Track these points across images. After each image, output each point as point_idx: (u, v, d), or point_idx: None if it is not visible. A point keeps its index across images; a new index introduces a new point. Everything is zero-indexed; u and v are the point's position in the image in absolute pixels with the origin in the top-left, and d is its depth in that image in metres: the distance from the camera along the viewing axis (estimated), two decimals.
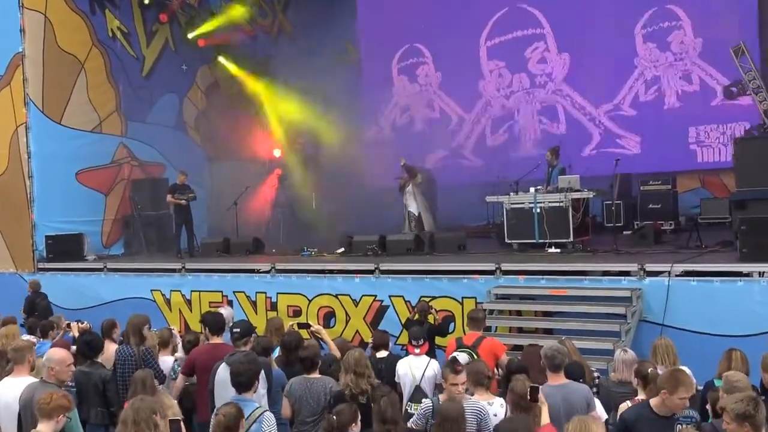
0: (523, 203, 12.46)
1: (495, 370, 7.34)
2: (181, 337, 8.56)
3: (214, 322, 7.07)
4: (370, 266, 11.59)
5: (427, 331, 8.67)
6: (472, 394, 5.89)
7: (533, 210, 12.29)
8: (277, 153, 20.18)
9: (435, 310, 9.72)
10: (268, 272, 12.48)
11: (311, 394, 6.35)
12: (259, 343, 7.01)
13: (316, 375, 6.47)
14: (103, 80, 16.44)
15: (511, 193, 12.71)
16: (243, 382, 5.58)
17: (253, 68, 19.91)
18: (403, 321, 10.33)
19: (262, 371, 6.17)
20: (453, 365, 5.79)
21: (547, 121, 17.65)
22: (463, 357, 6.66)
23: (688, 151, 15.99)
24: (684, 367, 6.51)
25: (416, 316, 9.48)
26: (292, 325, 7.96)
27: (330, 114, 19.88)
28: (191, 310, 12.74)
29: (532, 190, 12.61)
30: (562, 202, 12.10)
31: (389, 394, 5.85)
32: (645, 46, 16.48)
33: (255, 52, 20.10)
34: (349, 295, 11.47)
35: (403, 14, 18.73)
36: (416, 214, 14.52)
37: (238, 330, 6.71)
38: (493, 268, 10.54)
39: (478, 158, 18.10)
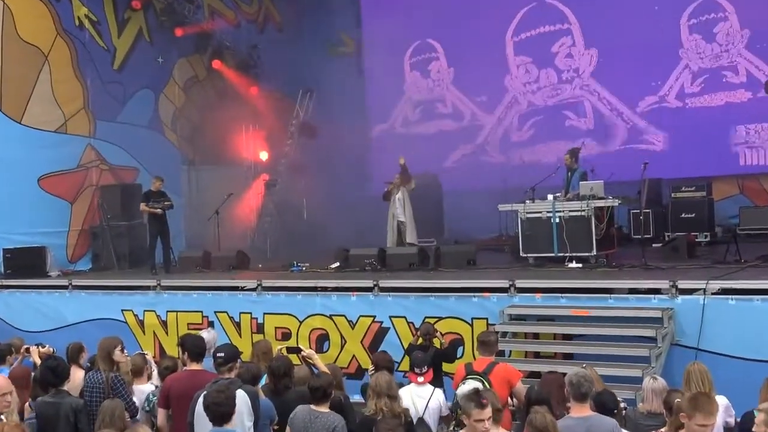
0: (540, 212, 12.47)
1: (509, 399, 7.33)
2: (156, 363, 8.54)
3: (193, 347, 7.05)
4: (369, 283, 11.57)
5: (432, 356, 8.66)
6: None
7: (551, 220, 12.28)
8: (263, 156, 20.23)
9: (441, 333, 9.70)
10: (253, 290, 12.47)
11: (314, 430, 6.32)
12: (248, 369, 7.00)
13: (324, 409, 6.40)
14: (69, 74, 16.47)
15: (527, 201, 12.71)
16: (223, 413, 5.56)
17: (237, 61, 19.99)
18: (405, 345, 10.31)
19: (248, 401, 6.16)
20: (478, 398, 5.71)
21: (575, 117, 17.70)
22: (473, 385, 6.64)
23: (730, 153, 15.98)
24: (721, 396, 6.52)
25: (420, 340, 9.48)
26: (281, 349, 7.95)
27: (323, 111, 19.97)
28: (167, 333, 12.72)
29: (550, 197, 12.61)
30: (583, 210, 12.10)
31: (394, 429, 5.83)
32: (691, 38, 16.52)
33: (239, 42, 20.17)
34: (344, 315, 11.46)
35: (414, 8, 18.87)
36: (405, 224, 14.48)
37: (222, 355, 6.68)
38: (507, 286, 10.53)
39: (497, 159, 18.05)
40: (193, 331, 9.87)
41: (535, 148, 17.53)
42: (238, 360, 6.91)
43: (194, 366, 6.97)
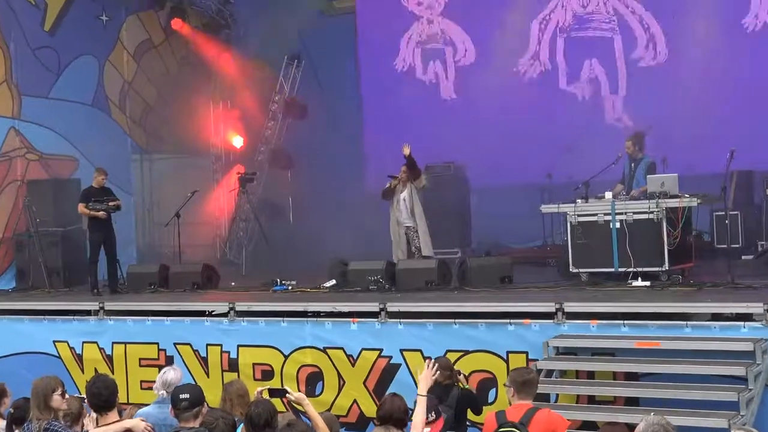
0: (595, 214, 12.45)
1: None
2: None
3: (90, 395, 7.07)
4: (374, 306, 11.58)
5: (457, 400, 8.64)
6: None
7: (610, 225, 12.27)
8: (237, 142, 20.24)
9: (464, 375, 9.63)
10: (224, 315, 12.47)
11: None
12: (220, 418, 6.99)
13: None
14: None
15: (579, 200, 12.69)
16: None
17: (204, 19, 20.01)
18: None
19: None
20: None
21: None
22: None
23: None
24: None
25: (445, 381, 9.45)
26: (262, 391, 7.94)
27: (315, 85, 19.94)
28: (113, 371, 12.68)
29: (608, 195, 12.60)
30: (652, 212, 12.08)
31: None
32: None
33: None
34: (342, 348, 11.47)
35: None
36: (416, 230, 14.27)
37: (187, 397, 6.69)
38: (553, 310, 10.52)
39: (540, 145, 17.88)
40: (147, 368, 9.85)
41: (589, 132, 17.44)
42: (205, 404, 6.93)
43: (107, 417, 7.00)
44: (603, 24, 18.05)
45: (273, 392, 7.98)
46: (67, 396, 7.58)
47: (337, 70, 19.76)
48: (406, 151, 14.08)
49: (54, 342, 13.28)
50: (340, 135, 18.55)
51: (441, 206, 15.95)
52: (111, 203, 14.69)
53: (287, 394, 7.90)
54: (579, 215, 12.56)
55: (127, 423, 7.24)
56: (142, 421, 7.23)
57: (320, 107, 19.50)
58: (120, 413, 7.93)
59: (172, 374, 8.47)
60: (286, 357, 11.75)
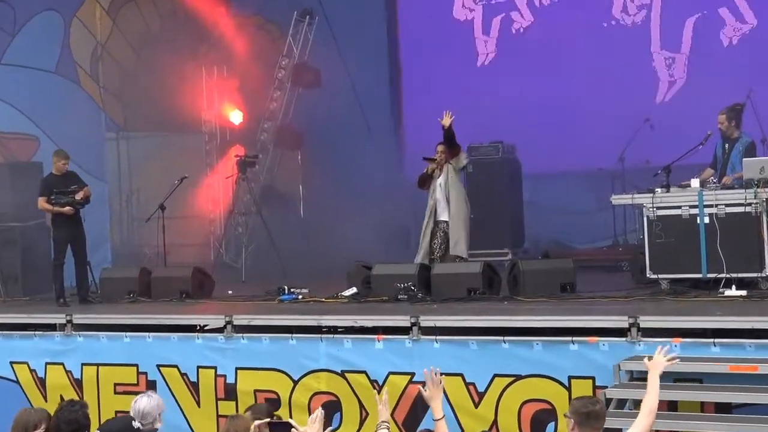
0: (679, 207, 12.41)
1: None
2: None
3: (54, 428, 7.10)
4: (404, 320, 11.60)
5: None
6: None
7: (698, 219, 12.23)
8: (236, 118, 20.27)
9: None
10: (220, 331, 12.52)
11: None
12: None
13: None
14: None
15: (658, 190, 12.64)
16: None
17: None
18: (462, 419, 10.28)
19: None
20: None
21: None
22: None
23: None
24: None
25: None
26: (260, 425, 7.96)
27: (331, 47, 19.93)
28: (82, 399, 12.73)
29: (695, 182, 12.54)
30: (750, 204, 12.02)
31: None
32: None
33: None
34: (365, 372, 11.49)
35: None
36: (447, 224, 14.05)
37: None
38: (626, 325, 10.49)
39: (611, 120, 17.79)
40: (124, 396, 9.87)
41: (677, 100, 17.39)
42: None
43: None
44: None
45: (275, 427, 8.00)
46: None
47: (360, 28, 19.71)
48: (447, 121, 13.75)
49: (11, 363, 13.36)
50: (362, 108, 18.55)
51: (486, 197, 15.90)
52: (79, 196, 14.59)
53: (292, 429, 7.91)
54: (658, 208, 12.51)
55: None
56: None
57: (337, 74, 19.47)
58: None
59: (146, 402, 8.43)
60: (295, 383, 11.79)
